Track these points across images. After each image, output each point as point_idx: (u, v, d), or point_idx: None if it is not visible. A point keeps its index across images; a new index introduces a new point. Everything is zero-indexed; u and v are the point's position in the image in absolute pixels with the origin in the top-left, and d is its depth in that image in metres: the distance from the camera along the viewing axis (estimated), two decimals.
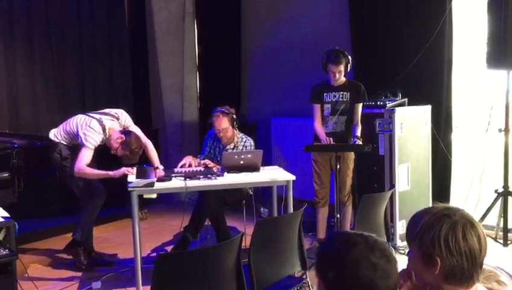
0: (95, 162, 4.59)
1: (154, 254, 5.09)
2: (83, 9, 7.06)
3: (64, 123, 4.74)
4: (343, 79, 4.90)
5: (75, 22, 6.99)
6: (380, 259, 1.50)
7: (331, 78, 4.84)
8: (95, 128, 4.51)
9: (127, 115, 4.84)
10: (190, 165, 4.65)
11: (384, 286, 1.50)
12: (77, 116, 4.70)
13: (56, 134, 4.70)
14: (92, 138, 4.46)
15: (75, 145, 4.60)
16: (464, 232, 1.62)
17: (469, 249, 1.61)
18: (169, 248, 5.13)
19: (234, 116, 4.88)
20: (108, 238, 5.62)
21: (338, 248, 1.56)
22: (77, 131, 4.54)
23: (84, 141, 4.45)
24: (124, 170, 4.33)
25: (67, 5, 6.89)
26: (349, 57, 4.83)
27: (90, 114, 4.68)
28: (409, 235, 1.73)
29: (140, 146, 4.55)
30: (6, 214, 3.86)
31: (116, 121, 4.70)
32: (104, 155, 4.70)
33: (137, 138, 4.59)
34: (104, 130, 4.55)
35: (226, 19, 7.46)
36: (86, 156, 4.43)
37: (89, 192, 4.68)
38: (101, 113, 4.70)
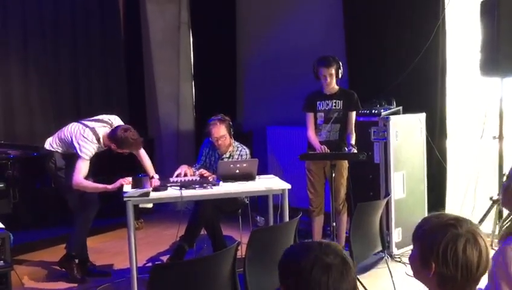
0: (91, 173, 4.58)
1: (150, 264, 5.08)
2: (78, 18, 7.08)
3: (59, 131, 4.72)
4: (335, 87, 4.92)
5: (70, 31, 7.00)
6: (334, 260, 1.54)
7: (323, 83, 4.85)
8: (89, 137, 4.49)
9: (119, 120, 4.82)
10: (185, 175, 4.65)
11: (341, 288, 1.53)
12: (71, 124, 4.67)
13: (51, 143, 4.68)
14: (86, 148, 4.45)
15: (70, 153, 4.58)
16: (465, 245, 1.63)
17: (466, 263, 1.62)
18: (165, 258, 5.12)
19: (231, 124, 4.89)
20: (104, 249, 5.60)
21: (294, 254, 1.61)
22: (71, 140, 4.52)
23: (79, 152, 4.43)
24: (120, 181, 4.31)
25: (62, 15, 6.89)
26: (340, 62, 4.85)
27: (84, 122, 4.66)
28: (414, 235, 1.77)
29: (132, 133, 4.51)
30: (1, 225, 3.85)
31: (108, 128, 4.68)
32: (100, 163, 4.70)
33: (124, 128, 4.53)
34: (98, 139, 4.54)
35: (221, 28, 7.48)
36: (83, 168, 4.42)
37: (82, 204, 4.65)
38: (94, 121, 4.68)
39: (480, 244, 1.65)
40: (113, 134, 4.53)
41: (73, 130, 4.57)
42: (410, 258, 1.78)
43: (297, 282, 1.55)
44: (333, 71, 4.79)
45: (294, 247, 1.67)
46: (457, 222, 1.68)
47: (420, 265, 1.70)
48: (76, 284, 4.63)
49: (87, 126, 4.58)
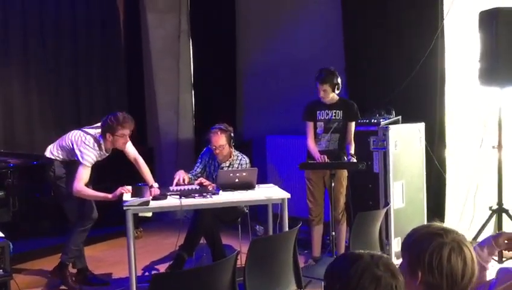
0: (91, 181, 4.58)
1: (149, 273, 5.07)
2: (78, 27, 7.11)
3: (60, 139, 4.70)
4: (336, 97, 4.95)
5: (71, 40, 7.03)
6: (385, 273, 1.52)
7: (319, 94, 4.90)
8: (90, 144, 4.48)
9: None
10: (184, 180, 4.65)
11: None
12: (72, 132, 4.65)
13: (52, 150, 4.66)
14: (88, 155, 4.44)
15: (71, 161, 4.57)
16: (450, 254, 1.66)
17: (451, 272, 1.65)
18: (164, 267, 5.11)
19: (232, 134, 4.90)
20: (103, 258, 5.60)
21: (343, 263, 1.58)
22: (72, 147, 4.51)
23: (80, 159, 4.42)
24: (120, 189, 4.31)
25: (62, 23, 6.93)
26: (339, 78, 4.89)
27: (84, 129, 4.66)
28: (402, 245, 1.82)
29: (113, 115, 4.53)
30: (1, 234, 3.85)
31: None
32: (100, 172, 4.70)
33: (104, 119, 4.57)
34: (99, 145, 4.54)
35: (220, 37, 7.51)
36: (83, 175, 4.41)
37: (80, 214, 4.63)
38: (95, 128, 4.68)
39: (465, 253, 1.68)
40: (102, 131, 4.55)
41: (74, 137, 4.56)
42: (400, 268, 1.79)
43: (343, 289, 1.52)
44: (327, 88, 4.86)
45: (345, 255, 1.65)
46: (444, 231, 1.72)
47: (408, 274, 1.73)
48: None
49: (88, 133, 4.57)
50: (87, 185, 4.46)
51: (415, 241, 1.72)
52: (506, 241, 2.24)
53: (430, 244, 1.68)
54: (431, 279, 1.66)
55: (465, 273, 1.66)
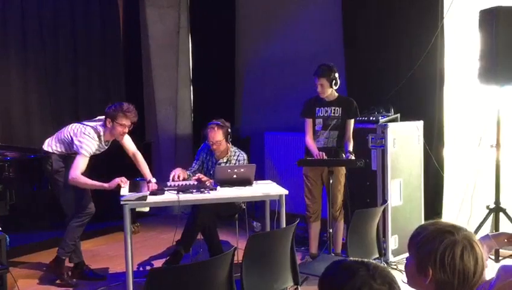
0: (88, 173, 4.56)
1: (146, 268, 5.07)
2: (77, 22, 7.08)
3: (58, 132, 4.69)
4: (335, 94, 4.95)
5: (70, 34, 7.01)
6: (382, 286, 1.46)
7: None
8: (90, 134, 4.47)
9: None
10: (179, 177, 4.65)
11: None
12: (71, 124, 4.65)
13: (50, 143, 4.64)
14: (87, 145, 4.43)
15: (69, 155, 4.56)
16: (463, 252, 1.66)
17: (463, 269, 1.65)
18: (161, 262, 5.11)
19: (229, 130, 4.89)
20: (100, 252, 5.60)
21: (339, 276, 1.51)
22: (71, 139, 4.49)
23: (79, 148, 4.41)
24: (117, 180, 4.28)
25: (61, 18, 6.90)
26: (337, 73, 4.87)
27: (84, 122, 4.66)
28: (410, 242, 1.79)
29: (117, 105, 4.55)
30: None
31: None
32: (98, 168, 4.69)
33: (106, 110, 4.57)
34: (99, 136, 4.53)
35: (220, 33, 7.50)
36: (81, 164, 4.39)
37: (77, 209, 4.62)
38: (95, 121, 4.68)
39: (476, 251, 1.68)
40: (104, 117, 4.54)
41: (73, 129, 4.55)
42: (406, 265, 1.79)
43: None
44: (324, 82, 4.85)
45: (341, 265, 1.54)
46: (454, 229, 1.71)
47: (417, 272, 1.71)
48: (71, 288, 4.61)
49: (87, 125, 4.57)
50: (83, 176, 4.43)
51: (425, 239, 1.71)
52: (506, 240, 2.24)
53: (442, 242, 1.67)
54: (442, 276, 1.66)
55: (476, 271, 1.66)
